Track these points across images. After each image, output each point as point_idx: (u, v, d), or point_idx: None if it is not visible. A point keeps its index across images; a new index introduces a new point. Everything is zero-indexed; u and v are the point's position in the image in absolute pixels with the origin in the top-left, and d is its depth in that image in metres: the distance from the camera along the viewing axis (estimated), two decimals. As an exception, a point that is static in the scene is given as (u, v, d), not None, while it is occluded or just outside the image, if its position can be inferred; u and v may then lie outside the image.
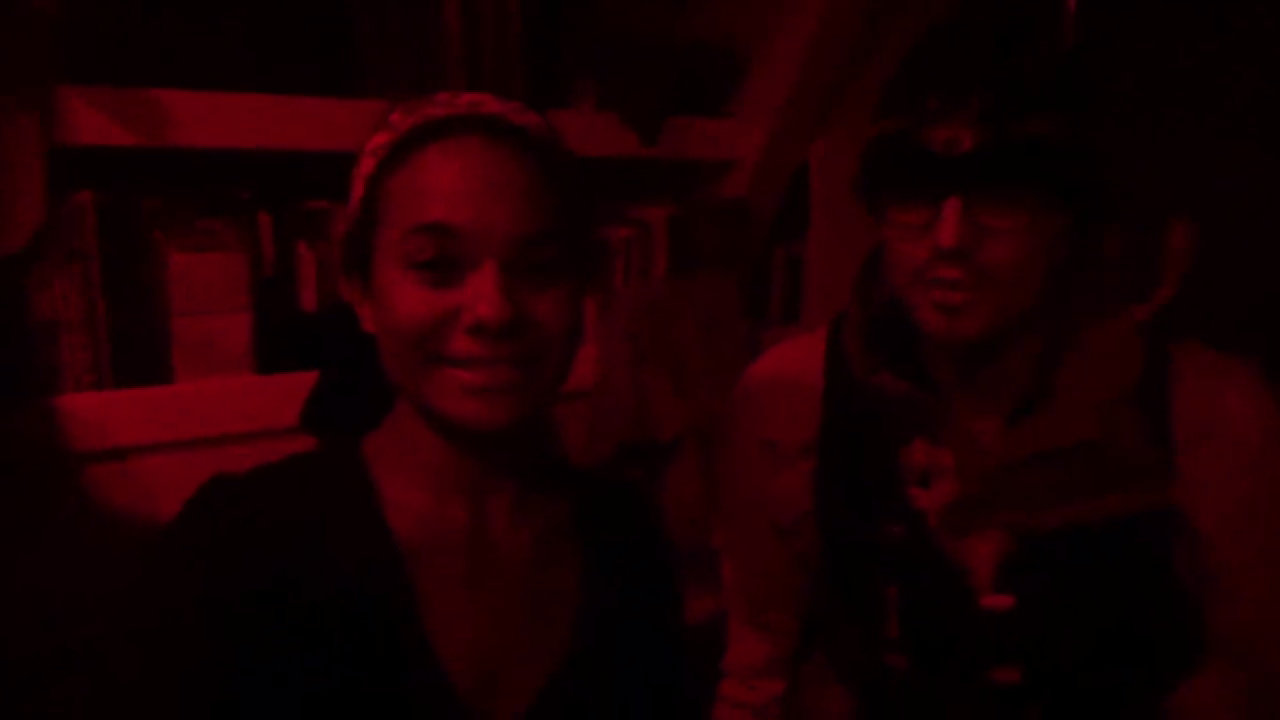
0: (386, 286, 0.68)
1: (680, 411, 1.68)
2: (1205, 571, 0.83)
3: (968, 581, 0.87)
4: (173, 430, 1.30)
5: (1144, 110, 1.47)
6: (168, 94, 1.29)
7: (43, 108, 1.18)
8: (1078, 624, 0.84)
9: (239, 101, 1.35)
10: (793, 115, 1.80)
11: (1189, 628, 0.86)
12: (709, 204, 1.87)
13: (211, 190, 1.35)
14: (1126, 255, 0.94)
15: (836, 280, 1.92)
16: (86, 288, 1.25)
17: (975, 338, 0.82)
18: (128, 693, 0.66)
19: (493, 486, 0.76)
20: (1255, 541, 0.83)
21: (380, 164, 0.70)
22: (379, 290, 0.70)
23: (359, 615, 0.69)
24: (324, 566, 0.69)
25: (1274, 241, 1.48)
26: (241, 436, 1.33)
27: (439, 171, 0.68)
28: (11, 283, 1.20)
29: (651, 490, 1.70)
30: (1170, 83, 1.56)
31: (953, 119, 0.75)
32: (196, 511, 0.69)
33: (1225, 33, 1.51)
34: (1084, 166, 0.79)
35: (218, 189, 1.36)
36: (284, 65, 1.41)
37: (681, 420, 1.68)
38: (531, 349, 0.68)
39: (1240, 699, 0.85)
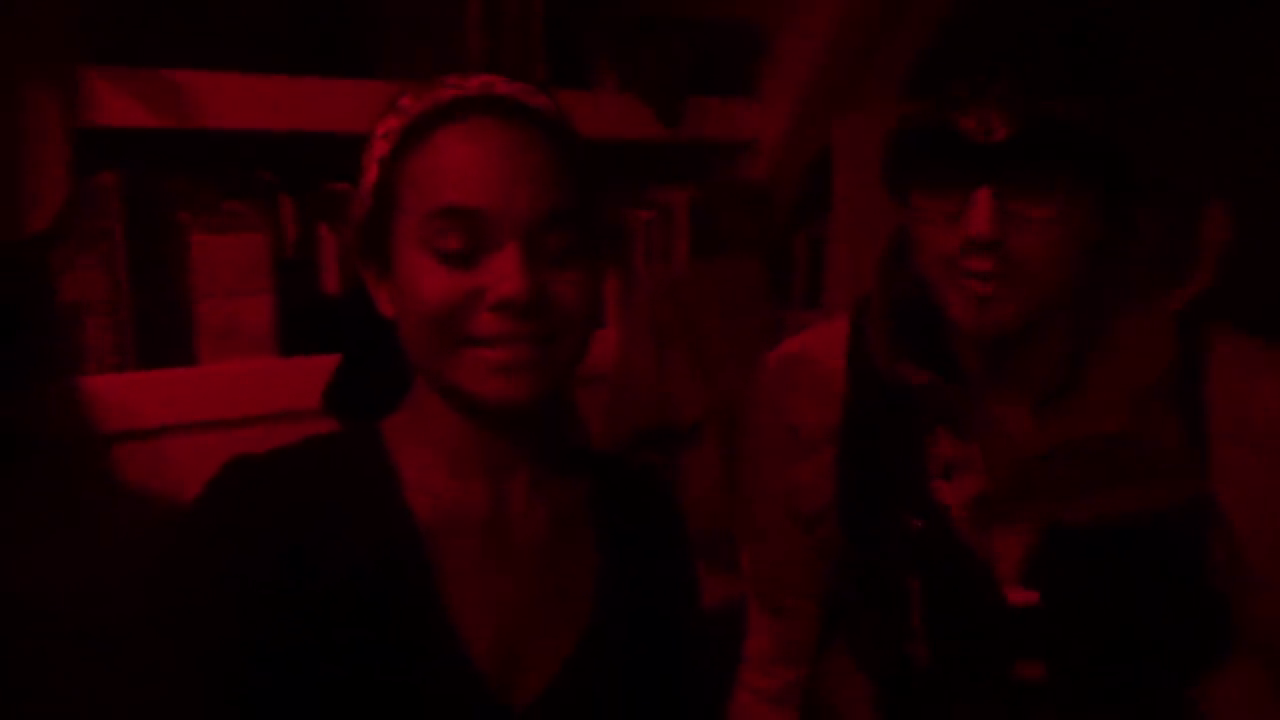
0: (407, 270, 0.69)
1: (701, 396, 1.68)
2: (1236, 565, 0.82)
3: (992, 575, 0.85)
4: (196, 411, 1.31)
5: (1180, 92, 1.44)
6: (192, 75, 1.29)
7: (67, 87, 1.19)
8: (1104, 620, 0.83)
9: (262, 83, 1.35)
10: (815, 95, 1.79)
11: (1217, 623, 0.84)
12: (730, 186, 1.85)
13: (235, 172, 1.36)
14: (1161, 241, 0.91)
15: (858, 263, 1.91)
16: (110, 269, 1.26)
17: (1006, 328, 0.80)
18: (151, 673, 0.66)
19: (511, 466, 0.76)
20: None
21: (394, 148, 0.71)
22: (399, 274, 0.70)
23: (379, 595, 0.70)
24: (344, 547, 0.70)
25: None
26: (264, 418, 1.34)
27: (456, 153, 0.68)
28: (36, 263, 1.21)
29: (670, 475, 1.69)
30: (1206, 64, 1.53)
31: (982, 104, 0.73)
32: (216, 493, 0.70)
33: (1265, 18, 1.48)
34: (1119, 151, 0.77)
35: (241, 171, 1.36)
36: (307, 47, 1.41)
37: (702, 405, 1.68)
38: (552, 328, 0.69)
39: (1267, 696, 0.84)
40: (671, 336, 1.68)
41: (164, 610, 0.67)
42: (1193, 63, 1.54)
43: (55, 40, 1.17)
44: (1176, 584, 0.83)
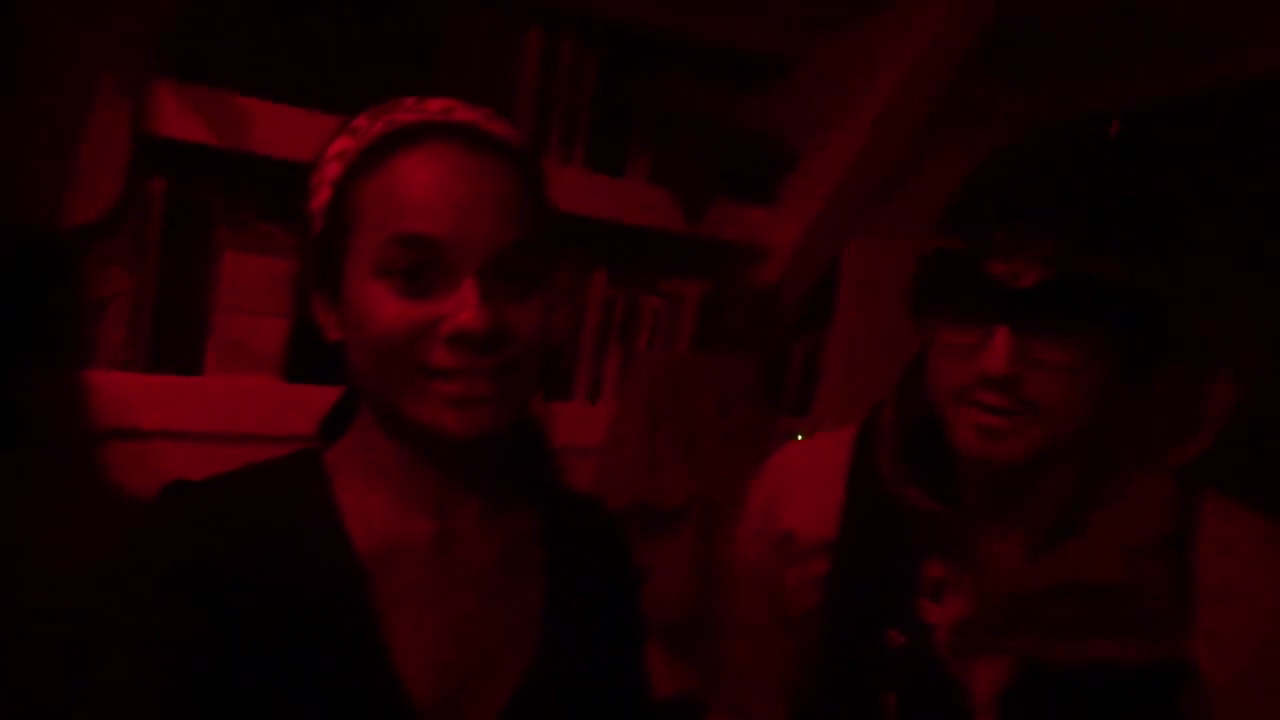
0: (360, 296, 0.67)
1: (686, 483, 1.70)
2: None
3: (967, 703, 0.85)
4: (195, 421, 1.32)
5: (1202, 256, 1.48)
6: (251, 102, 1.35)
7: (138, 95, 1.23)
8: None
9: (315, 119, 1.40)
10: (830, 213, 1.86)
11: None
12: (741, 286, 1.91)
13: (276, 196, 1.40)
14: (1172, 398, 0.94)
15: (850, 379, 1.96)
16: (141, 269, 1.28)
17: (1013, 463, 0.80)
18: (90, 696, 0.63)
19: (459, 497, 0.74)
20: (1261, 701, 0.82)
21: (349, 168, 0.68)
22: (352, 299, 0.68)
23: (315, 628, 0.67)
24: (280, 577, 0.67)
25: None
26: (260, 438, 1.35)
27: (416, 180, 0.66)
28: (73, 255, 1.23)
29: (644, 556, 1.70)
30: (1224, 231, 1.58)
31: (1021, 255, 0.75)
32: (152, 518, 0.67)
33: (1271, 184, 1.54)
34: (1147, 311, 0.78)
35: (282, 196, 1.40)
36: (359, 92, 1.47)
37: (686, 491, 1.70)
38: (510, 359, 0.68)
39: None
40: (664, 419, 1.71)
41: (98, 634, 0.64)
42: (1214, 229, 1.58)
43: (134, 49, 1.23)
44: None
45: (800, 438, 1.66)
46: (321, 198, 0.70)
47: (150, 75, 1.25)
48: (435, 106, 0.70)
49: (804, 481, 0.98)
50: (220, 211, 1.34)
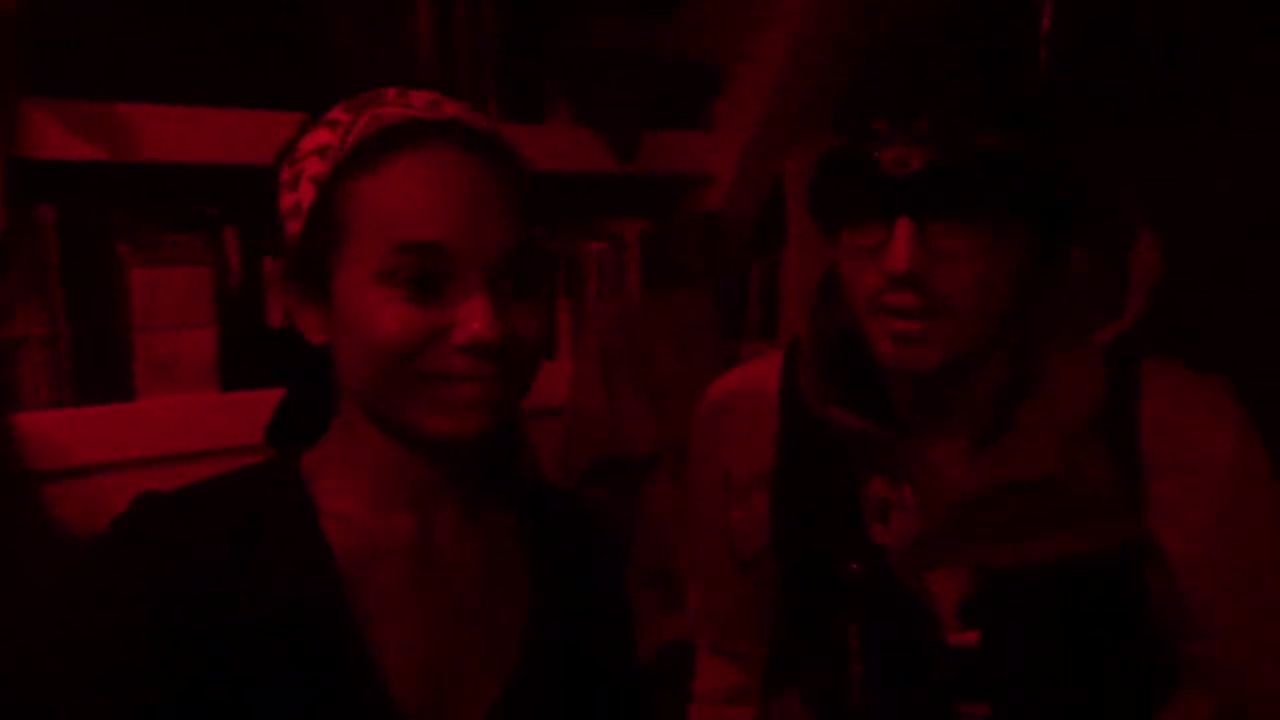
0: (359, 302, 0.66)
1: (653, 429, 1.67)
2: (1175, 600, 0.82)
3: (931, 618, 0.85)
4: (134, 448, 1.29)
5: (1113, 121, 1.47)
6: (134, 108, 1.28)
7: (5, 119, 1.17)
8: (1045, 659, 0.83)
9: (205, 116, 1.34)
10: (768, 129, 1.81)
11: (1160, 659, 0.84)
12: (684, 219, 1.86)
13: (178, 205, 1.34)
14: (1093, 273, 0.92)
15: (812, 296, 1.93)
16: (48, 303, 1.24)
17: (934, 368, 0.79)
18: (59, 708, 0.63)
19: (440, 497, 0.75)
20: (1227, 569, 0.81)
21: (337, 167, 0.67)
22: (348, 305, 0.67)
23: (294, 634, 0.67)
24: (257, 583, 0.67)
25: (1246, 252, 1.47)
26: (205, 454, 1.31)
27: (419, 184, 0.66)
28: (-30, 298, 1.19)
29: (623, 508, 1.69)
30: (1139, 93, 1.56)
31: (901, 139, 0.73)
32: (124, 530, 0.67)
33: (1195, 46, 1.52)
34: (1045, 184, 0.76)
35: (184, 204, 1.35)
36: (252, 80, 1.40)
37: (655, 437, 1.67)
38: (514, 363, 0.68)
39: None
40: (622, 369, 1.68)
41: (66, 648, 0.64)
42: (1128, 91, 1.58)
43: (-9, 72, 1.16)
44: (1116, 622, 0.83)
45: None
46: (302, 196, 0.69)
47: (15, 97, 1.18)
48: (420, 100, 0.69)
49: (735, 416, 0.96)
50: (120, 229, 1.29)
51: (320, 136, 0.69)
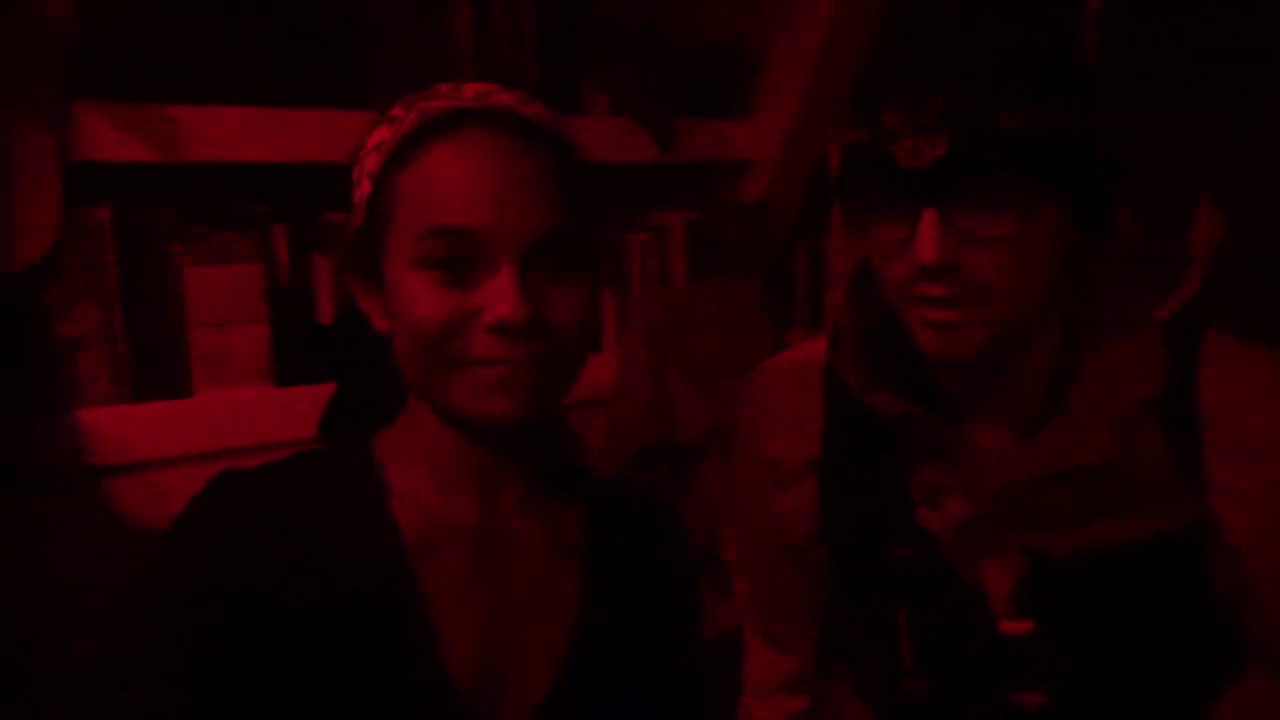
0: (401, 287, 0.68)
1: (701, 417, 1.66)
2: (1239, 582, 0.79)
3: (983, 605, 0.82)
4: (191, 443, 1.31)
5: (1169, 93, 1.42)
6: (183, 110, 1.31)
7: (60, 123, 1.20)
8: (1103, 646, 0.79)
9: (253, 115, 1.36)
10: (808, 114, 1.79)
11: (1222, 641, 0.81)
12: (727, 206, 1.85)
13: (228, 204, 1.36)
14: (1150, 245, 0.88)
15: (859, 281, 1.90)
16: (104, 302, 1.26)
17: (974, 355, 0.76)
18: (134, 681, 0.65)
19: (503, 482, 0.75)
20: None
21: (387, 160, 0.69)
22: (392, 290, 0.69)
23: (361, 610, 0.69)
24: (328, 561, 0.69)
25: None
26: (259, 448, 1.33)
27: (451, 171, 0.67)
28: (30, 297, 1.22)
29: (672, 496, 1.68)
30: (1199, 65, 1.52)
31: (914, 130, 0.71)
32: (204, 505, 0.70)
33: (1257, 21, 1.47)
34: (1073, 159, 0.73)
35: (234, 202, 1.37)
36: (297, 78, 1.43)
37: (702, 425, 1.66)
38: (548, 346, 0.69)
39: (1276, 706, 0.81)
40: (669, 357, 1.67)
41: (148, 620, 0.67)
42: (1188, 63, 1.53)
43: (48, 76, 1.19)
44: (1177, 605, 0.79)
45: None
46: (362, 190, 0.71)
47: (69, 101, 1.21)
48: (471, 92, 0.70)
49: (780, 403, 0.94)
50: (173, 228, 1.31)
51: (380, 133, 0.71)
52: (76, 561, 1.21)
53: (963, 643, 0.84)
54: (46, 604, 1.18)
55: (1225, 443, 0.78)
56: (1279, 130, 1.46)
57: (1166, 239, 0.86)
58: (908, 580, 0.85)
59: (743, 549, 1.04)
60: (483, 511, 0.75)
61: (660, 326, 1.69)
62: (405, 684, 0.69)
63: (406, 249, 0.67)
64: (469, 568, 0.73)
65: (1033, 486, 0.79)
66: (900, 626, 0.84)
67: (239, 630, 0.66)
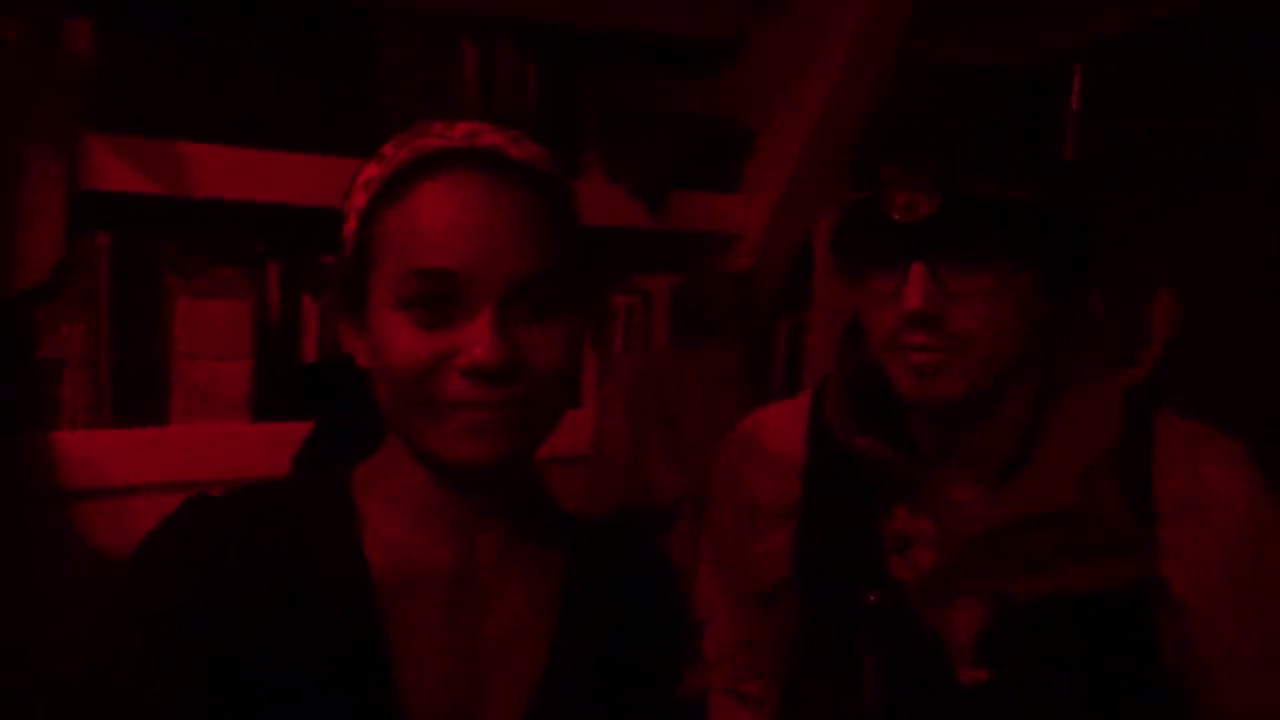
0: (381, 326, 0.67)
1: (677, 480, 1.68)
2: (1186, 646, 0.81)
3: (946, 653, 0.84)
4: (166, 471, 1.31)
5: (1138, 180, 1.49)
6: (190, 147, 1.34)
7: (69, 153, 1.23)
8: (1056, 696, 0.82)
9: (256, 157, 1.40)
10: (796, 191, 1.84)
11: (1170, 698, 0.83)
12: (713, 274, 1.89)
13: (226, 240, 1.39)
14: (1113, 320, 0.93)
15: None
16: (94, 326, 1.28)
17: (949, 400, 0.81)
18: (103, 704, 0.64)
19: (480, 526, 0.74)
20: (1236, 617, 0.80)
21: (373, 198, 0.68)
22: (374, 329, 0.68)
23: (326, 644, 0.67)
24: (297, 591, 0.68)
25: (1263, 317, 1.47)
26: (234, 482, 1.33)
27: (434, 211, 0.66)
28: (23, 318, 1.23)
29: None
30: (1166, 155, 1.58)
31: (910, 186, 0.77)
32: (173, 528, 0.68)
33: (1222, 113, 1.54)
34: (1051, 228, 0.79)
35: (231, 239, 1.40)
36: (305, 124, 1.47)
37: (680, 487, 1.68)
38: (526, 389, 0.67)
39: None
40: (648, 419, 1.69)
41: (118, 646, 0.65)
42: (1156, 151, 1.59)
43: (62, 106, 1.22)
44: (1128, 662, 0.82)
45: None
46: (349, 227, 0.71)
47: (80, 131, 1.24)
48: (461, 130, 0.69)
49: (764, 450, 0.98)
50: (169, 260, 1.34)
51: (369, 170, 0.71)
52: (45, 581, 1.21)
53: (923, 690, 0.85)
54: (16, 626, 1.17)
55: (1172, 508, 0.81)
56: (1240, 220, 1.52)
57: (1128, 321, 0.91)
58: (875, 626, 0.87)
59: (713, 600, 1.06)
60: (457, 555, 0.73)
61: (640, 388, 1.71)
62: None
63: (389, 288, 0.67)
64: (439, 611, 0.71)
65: (1000, 533, 0.83)
66: (865, 672, 0.86)
67: (208, 650, 0.64)
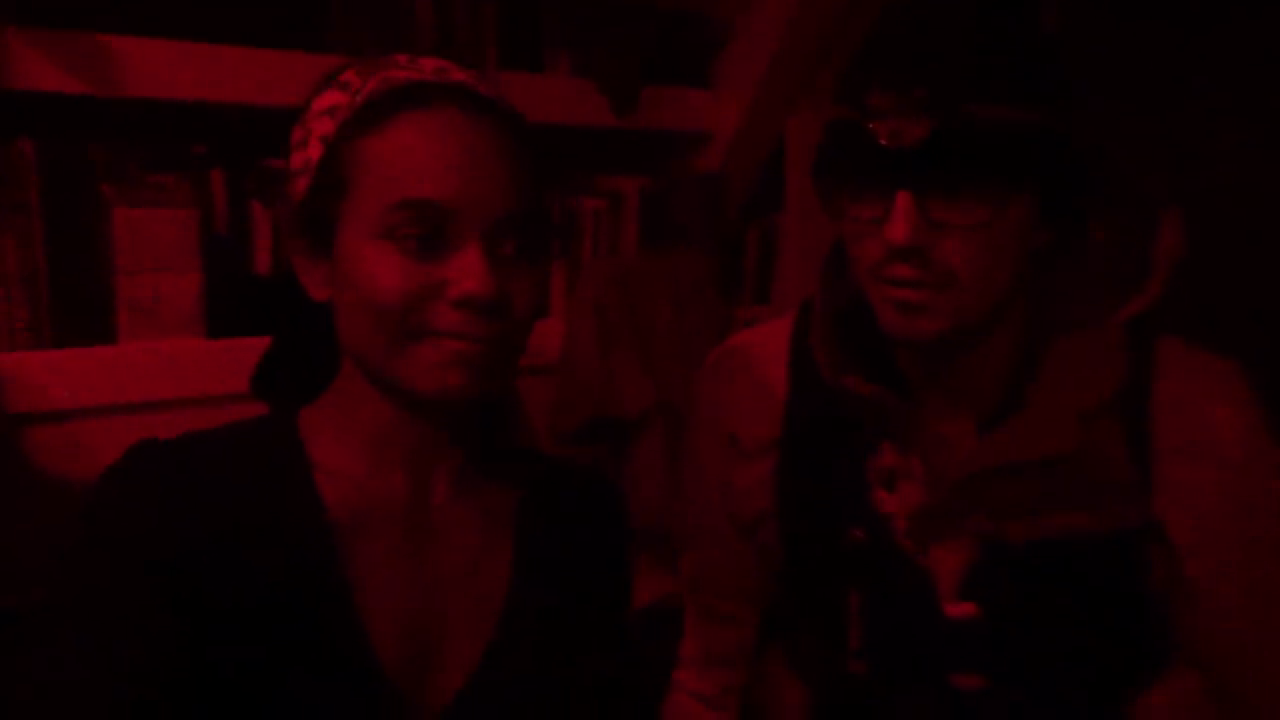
0: (358, 257, 0.67)
1: (648, 388, 1.65)
2: (1177, 580, 0.81)
3: (931, 588, 0.84)
4: (114, 393, 1.25)
5: (1134, 98, 1.44)
6: (120, 40, 1.24)
7: (-18, 48, 1.12)
8: (1042, 633, 0.82)
9: (195, 51, 1.29)
10: (771, 88, 1.77)
11: (1155, 635, 0.84)
12: (684, 177, 1.83)
13: (163, 143, 1.30)
14: (1112, 248, 0.89)
15: (809, 260, 1.90)
16: (26, 241, 1.20)
17: (936, 338, 0.77)
18: (58, 658, 0.64)
19: (436, 459, 0.75)
20: (1228, 552, 0.81)
21: (343, 126, 0.68)
22: (347, 260, 0.68)
23: (284, 587, 0.68)
24: (249, 536, 0.68)
25: (1266, 234, 1.45)
26: (188, 401, 1.29)
27: (422, 143, 0.66)
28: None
29: (615, 468, 1.67)
30: (1162, 71, 1.54)
31: (898, 111, 0.71)
32: (118, 476, 0.67)
33: (1218, 22, 1.49)
34: (1048, 155, 0.74)
35: (170, 142, 1.31)
36: (246, 15, 1.36)
37: (649, 397, 1.65)
38: (504, 329, 0.69)
39: (1201, 706, 0.84)
40: (618, 327, 1.65)
41: (64, 592, 0.65)
42: (1151, 68, 1.55)
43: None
44: (1115, 599, 0.82)
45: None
46: (310, 154, 0.70)
47: (-7, 24, 1.13)
48: (430, 65, 0.70)
49: (744, 379, 0.95)
50: (104, 167, 1.24)
51: (330, 97, 0.70)
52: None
53: (909, 625, 0.85)
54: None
55: (1174, 444, 0.80)
56: (1236, 126, 1.49)
57: (1130, 246, 0.87)
58: (860, 562, 0.86)
59: (693, 523, 1.04)
60: (413, 489, 0.74)
61: (610, 297, 1.66)
62: (330, 661, 0.68)
63: (370, 219, 0.66)
64: (396, 545, 0.72)
65: (992, 476, 0.81)
66: (849, 608, 0.85)
67: (161, 604, 0.64)
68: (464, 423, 0.75)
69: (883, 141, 0.72)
